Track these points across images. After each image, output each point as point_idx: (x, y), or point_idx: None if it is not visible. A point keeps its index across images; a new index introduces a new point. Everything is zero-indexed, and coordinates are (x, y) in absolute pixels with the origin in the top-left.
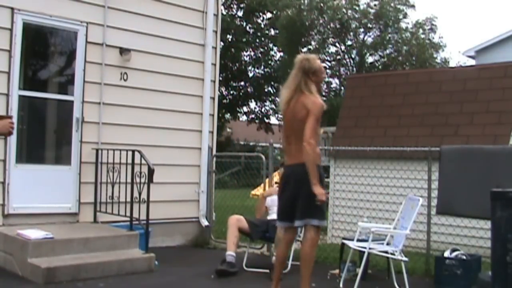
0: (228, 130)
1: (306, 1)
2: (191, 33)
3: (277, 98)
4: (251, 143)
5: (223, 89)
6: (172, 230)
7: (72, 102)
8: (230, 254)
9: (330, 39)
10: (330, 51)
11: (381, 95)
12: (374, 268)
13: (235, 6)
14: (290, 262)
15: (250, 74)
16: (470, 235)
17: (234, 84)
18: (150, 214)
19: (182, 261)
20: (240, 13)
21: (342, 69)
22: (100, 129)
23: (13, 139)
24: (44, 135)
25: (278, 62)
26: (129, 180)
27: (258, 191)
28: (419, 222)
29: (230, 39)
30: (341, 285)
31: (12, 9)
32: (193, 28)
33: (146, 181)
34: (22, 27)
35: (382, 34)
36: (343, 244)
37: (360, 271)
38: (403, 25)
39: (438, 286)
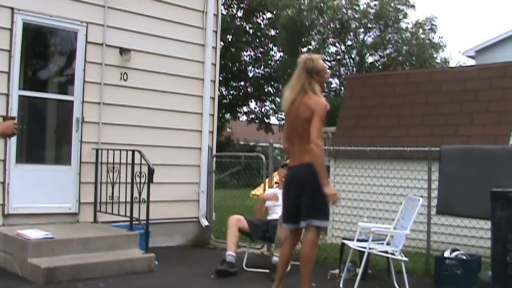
0: (228, 130)
1: (306, 1)
2: (191, 33)
3: (277, 98)
4: (251, 143)
5: (223, 89)
6: (172, 230)
7: (72, 102)
8: (230, 254)
9: (330, 39)
10: (330, 51)
11: (381, 95)
12: (374, 268)
13: (235, 6)
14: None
15: (250, 74)
16: (470, 235)
17: (234, 84)
18: (150, 214)
19: (182, 261)
20: (240, 13)
21: (342, 69)
22: (100, 129)
23: (13, 139)
24: (44, 135)
25: (278, 62)
26: (129, 180)
27: (258, 191)
28: (419, 222)
29: (230, 39)
30: (341, 285)
31: (12, 9)
32: (193, 28)
33: (146, 181)
34: (22, 27)
35: (382, 34)
36: (343, 244)
37: (360, 271)
38: (403, 25)
39: (438, 286)
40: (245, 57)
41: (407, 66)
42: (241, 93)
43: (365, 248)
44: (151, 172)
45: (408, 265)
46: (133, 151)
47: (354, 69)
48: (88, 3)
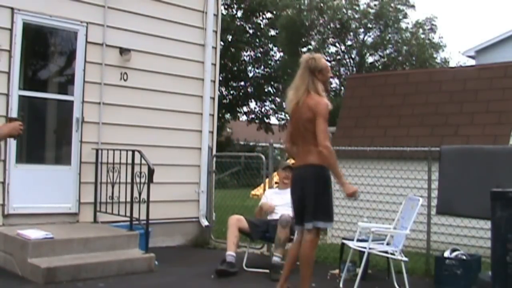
0: (228, 130)
1: (306, 1)
2: (191, 33)
3: (277, 98)
4: (251, 143)
5: (223, 89)
6: (172, 230)
7: (72, 102)
8: (230, 254)
9: (330, 39)
10: (330, 51)
11: (381, 95)
12: (374, 268)
13: (235, 6)
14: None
15: (250, 74)
16: (470, 235)
17: (234, 84)
18: (150, 214)
19: (182, 261)
20: (240, 13)
21: (342, 69)
22: (100, 129)
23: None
24: (44, 135)
25: (278, 62)
26: (129, 180)
27: (258, 191)
28: (419, 222)
29: (230, 39)
30: (341, 285)
31: (12, 9)
32: (193, 28)
33: (146, 181)
34: (22, 27)
35: (382, 34)
36: (343, 244)
37: (360, 271)
38: (403, 25)
39: (438, 286)
40: (245, 57)
41: (407, 66)
42: (241, 93)
43: (365, 248)
44: (151, 172)
45: (408, 265)
46: (133, 151)
47: (354, 69)
48: (88, 3)
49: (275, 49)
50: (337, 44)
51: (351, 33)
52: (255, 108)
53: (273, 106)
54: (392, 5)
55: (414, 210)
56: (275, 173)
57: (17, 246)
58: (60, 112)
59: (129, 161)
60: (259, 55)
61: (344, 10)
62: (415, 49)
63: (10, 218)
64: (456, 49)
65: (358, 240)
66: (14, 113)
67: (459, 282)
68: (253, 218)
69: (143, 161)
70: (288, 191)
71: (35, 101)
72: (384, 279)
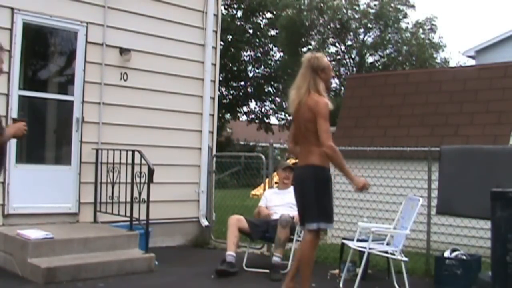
0: (228, 130)
1: (306, 1)
2: (191, 33)
3: (277, 98)
4: (251, 143)
5: (223, 89)
6: (172, 230)
7: (72, 102)
8: (230, 254)
9: (330, 39)
10: (330, 51)
11: (381, 95)
12: (374, 268)
13: (235, 6)
14: (290, 262)
15: (250, 74)
16: (470, 235)
17: (234, 84)
18: (150, 214)
19: (182, 261)
20: (240, 13)
21: (342, 69)
22: (100, 129)
23: (13, 139)
24: (44, 135)
25: (278, 62)
26: (129, 180)
27: (258, 191)
28: (419, 222)
29: (230, 39)
30: (341, 285)
31: (12, 9)
32: (193, 28)
33: (146, 181)
34: (22, 27)
35: (382, 34)
36: (343, 244)
37: (360, 271)
38: (403, 25)
39: (438, 286)
40: (245, 57)
41: (407, 66)
42: (241, 93)
43: (365, 248)
44: (151, 172)
45: (408, 265)
46: (133, 151)
47: (354, 69)
48: (88, 3)
49: (275, 49)
50: (337, 44)
51: (351, 33)
52: (255, 108)
53: (273, 106)
54: (392, 5)
55: (414, 210)
56: (275, 173)
57: (17, 246)
58: (60, 112)
59: (129, 161)
60: (259, 55)
61: (344, 10)
62: (415, 49)
63: (10, 218)
64: (456, 49)
65: (358, 240)
66: (14, 113)
67: (459, 282)
68: (253, 218)
69: (143, 161)
70: (288, 191)
71: (35, 101)
72: (384, 279)
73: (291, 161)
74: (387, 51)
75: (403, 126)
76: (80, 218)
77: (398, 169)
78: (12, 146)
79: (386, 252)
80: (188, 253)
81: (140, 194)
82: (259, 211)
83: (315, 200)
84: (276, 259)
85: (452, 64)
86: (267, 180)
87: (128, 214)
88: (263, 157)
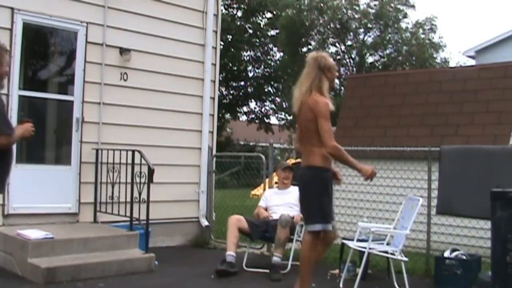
0: (228, 130)
1: (306, 1)
2: (191, 33)
3: (277, 98)
4: (251, 143)
5: (223, 89)
6: (172, 230)
7: (72, 102)
8: (230, 254)
9: (330, 39)
10: (330, 51)
11: (381, 95)
12: (374, 268)
13: (235, 6)
14: (290, 262)
15: (250, 74)
16: (470, 235)
17: (234, 84)
18: (150, 214)
19: (182, 261)
20: (240, 13)
21: (342, 69)
22: (100, 129)
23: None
24: (44, 135)
25: (278, 62)
26: (129, 180)
27: (258, 191)
28: (419, 222)
29: (230, 39)
30: (341, 285)
31: (12, 9)
32: (193, 28)
33: (146, 181)
34: (22, 27)
35: (382, 34)
36: (343, 244)
37: (360, 271)
38: (403, 25)
39: (438, 286)
40: (245, 57)
41: (407, 66)
42: (241, 93)
43: (365, 248)
44: (151, 172)
45: (408, 265)
46: (133, 151)
47: (354, 69)
48: (88, 3)
49: (275, 49)
50: (337, 44)
51: (351, 33)
52: (255, 108)
53: (273, 106)
54: (392, 5)
55: (414, 210)
56: (275, 173)
57: (17, 246)
58: (60, 112)
59: (129, 161)
60: (259, 55)
61: (344, 10)
62: (415, 49)
63: (10, 218)
64: (456, 49)
65: (358, 240)
66: (14, 113)
67: (459, 282)
68: (253, 218)
69: (143, 161)
70: (288, 191)
71: (35, 101)
72: (384, 279)
73: (291, 161)
74: (387, 51)
75: (403, 126)
76: (80, 218)
77: (398, 169)
78: (12, 146)
79: (386, 252)
80: (188, 253)
81: (140, 194)
82: (257, 214)
83: (315, 202)
84: (276, 259)
85: (452, 64)
86: (267, 180)
87: (128, 214)
88: (263, 157)
